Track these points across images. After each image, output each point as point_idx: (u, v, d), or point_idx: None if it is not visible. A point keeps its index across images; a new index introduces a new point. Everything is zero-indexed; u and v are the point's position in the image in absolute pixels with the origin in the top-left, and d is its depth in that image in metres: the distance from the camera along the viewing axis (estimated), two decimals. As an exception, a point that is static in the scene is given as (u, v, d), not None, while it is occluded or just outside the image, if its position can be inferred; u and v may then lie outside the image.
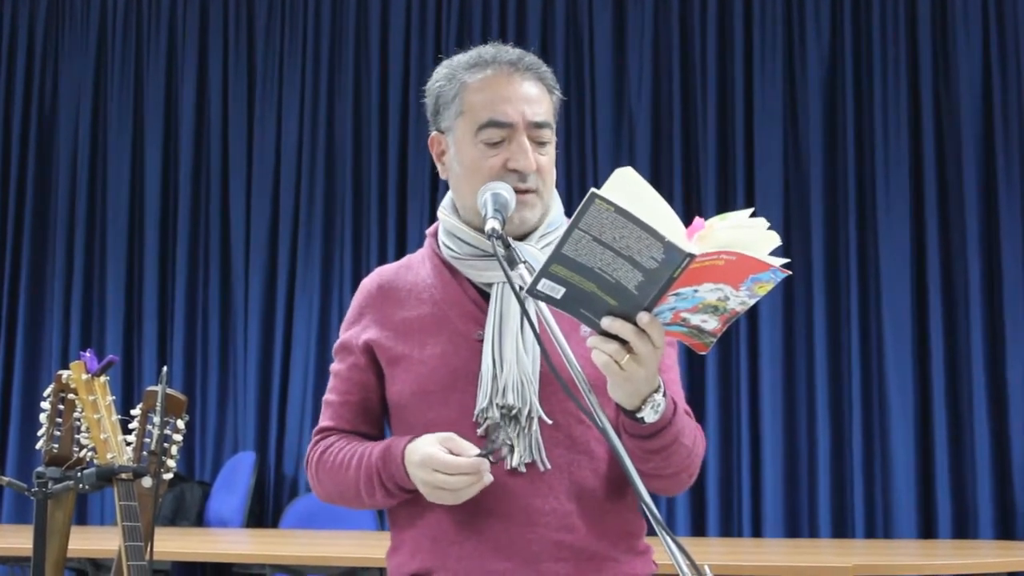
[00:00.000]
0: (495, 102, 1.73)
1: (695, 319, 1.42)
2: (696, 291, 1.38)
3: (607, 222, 1.32)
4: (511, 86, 1.74)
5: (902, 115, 4.96)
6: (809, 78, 5.10)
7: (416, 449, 1.64)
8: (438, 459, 1.60)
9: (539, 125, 1.73)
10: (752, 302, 1.41)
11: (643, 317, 1.41)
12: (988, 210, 4.87)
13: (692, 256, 1.32)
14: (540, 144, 1.74)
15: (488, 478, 1.59)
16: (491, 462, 1.58)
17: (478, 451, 1.60)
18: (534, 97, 1.74)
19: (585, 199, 1.31)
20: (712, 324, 1.43)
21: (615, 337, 1.43)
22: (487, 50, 1.78)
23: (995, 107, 4.88)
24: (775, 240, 1.38)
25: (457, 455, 1.60)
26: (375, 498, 1.72)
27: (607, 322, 1.42)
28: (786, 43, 5.16)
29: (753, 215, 1.39)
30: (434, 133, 1.81)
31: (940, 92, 4.99)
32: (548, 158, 1.75)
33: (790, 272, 1.38)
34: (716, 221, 1.38)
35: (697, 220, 1.38)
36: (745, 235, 1.36)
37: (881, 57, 5.03)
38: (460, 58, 1.79)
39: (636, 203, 1.32)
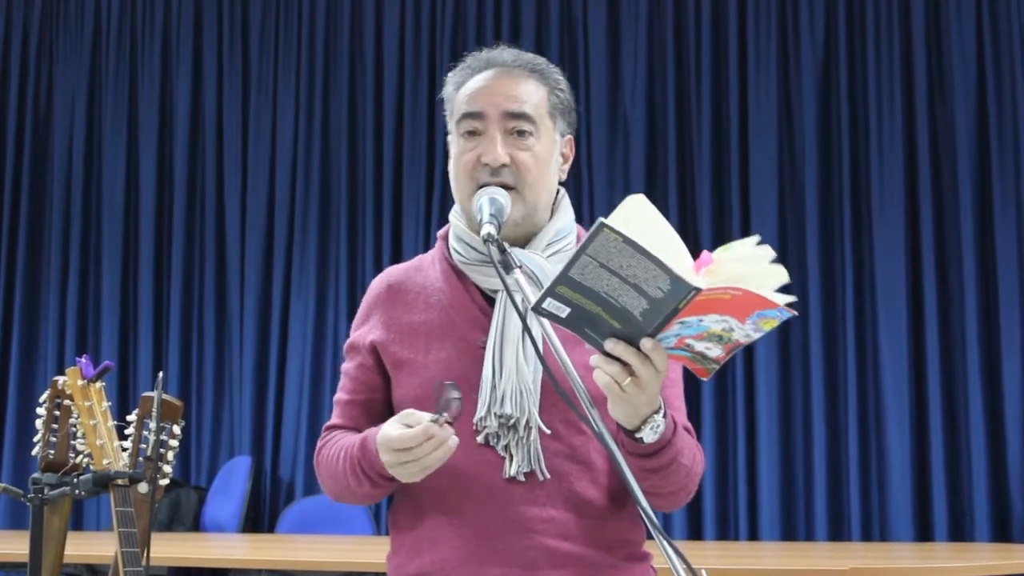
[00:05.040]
0: (475, 95, 1.73)
1: (699, 346, 1.42)
2: (701, 320, 1.38)
3: (614, 250, 1.31)
4: (496, 81, 1.74)
5: (896, 120, 4.97)
6: (803, 83, 5.10)
7: (379, 435, 1.62)
8: (391, 438, 1.57)
9: (515, 115, 1.71)
10: (757, 336, 1.40)
11: (647, 343, 1.40)
12: (983, 213, 4.88)
13: (698, 290, 1.32)
14: (519, 136, 1.71)
15: (454, 441, 1.55)
16: (446, 423, 1.53)
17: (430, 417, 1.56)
18: (518, 91, 1.73)
19: (594, 227, 1.31)
20: (716, 352, 1.42)
21: (618, 359, 1.43)
22: (493, 52, 1.79)
23: (990, 111, 4.89)
24: (783, 276, 1.37)
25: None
26: (364, 489, 1.70)
27: (610, 345, 1.42)
28: (780, 48, 5.16)
29: (760, 243, 1.38)
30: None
31: (935, 96, 5.00)
32: (529, 153, 1.71)
33: (795, 313, 1.37)
34: (722, 253, 1.37)
35: (705, 254, 1.37)
36: (752, 270, 1.35)
37: (875, 62, 5.03)
38: (468, 60, 1.80)
39: (645, 232, 1.32)
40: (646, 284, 1.33)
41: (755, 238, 1.38)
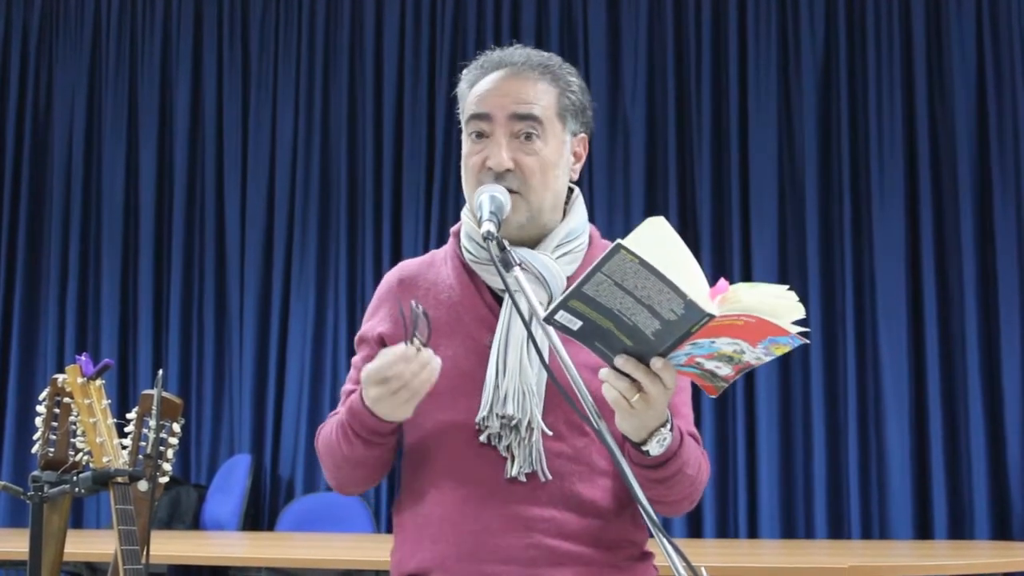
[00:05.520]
0: (483, 96, 1.73)
1: (709, 364, 1.44)
2: (713, 342, 1.39)
3: (630, 271, 1.33)
4: (505, 83, 1.73)
5: (896, 120, 4.97)
6: (803, 83, 5.10)
7: (363, 374, 1.62)
8: (371, 373, 1.58)
9: (521, 117, 1.70)
10: (768, 359, 1.42)
11: (657, 363, 1.41)
12: (983, 213, 4.88)
13: (712, 316, 1.33)
14: (525, 140, 1.71)
15: (436, 361, 1.57)
16: (420, 343, 1.55)
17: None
18: (526, 93, 1.72)
19: (611, 247, 1.32)
20: (725, 371, 1.44)
21: (627, 374, 1.43)
22: (506, 51, 1.78)
23: (990, 111, 4.89)
24: (800, 311, 1.37)
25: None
26: (358, 452, 1.69)
27: (620, 361, 1.43)
28: (780, 48, 5.16)
29: (788, 290, 1.39)
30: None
31: (935, 96, 4.99)
32: (535, 157, 1.71)
33: (808, 341, 1.38)
34: (743, 287, 1.38)
35: (721, 282, 1.38)
36: (770, 303, 1.36)
37: (875, 62, 5.03)
38: (481, 58, 1.80)
39: (662, 256, 1.33)
40: (660, 306, 1.34)
41: (785, 287, 1.39)
